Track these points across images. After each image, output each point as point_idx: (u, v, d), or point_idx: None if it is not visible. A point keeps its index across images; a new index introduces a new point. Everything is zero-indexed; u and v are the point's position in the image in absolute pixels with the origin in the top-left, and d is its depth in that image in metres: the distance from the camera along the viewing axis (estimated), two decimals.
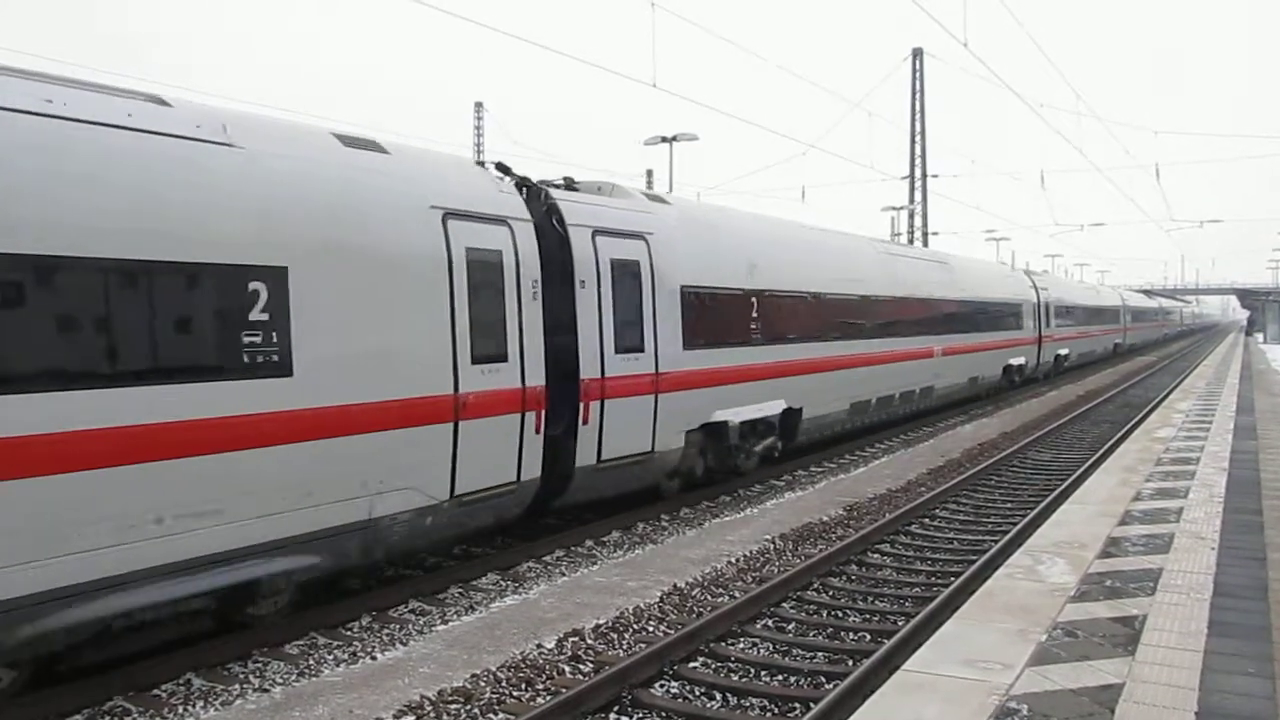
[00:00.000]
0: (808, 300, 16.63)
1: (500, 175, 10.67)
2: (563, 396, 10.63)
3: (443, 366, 8.94)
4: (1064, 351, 37.22)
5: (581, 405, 10.88)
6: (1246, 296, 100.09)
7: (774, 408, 14.97)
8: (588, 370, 10.99)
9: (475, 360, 9.23)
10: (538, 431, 10.10)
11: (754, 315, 14.58)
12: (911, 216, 43.80)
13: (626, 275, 11.73)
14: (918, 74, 42.32)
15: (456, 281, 9.08)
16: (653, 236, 12.29)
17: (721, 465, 14.20)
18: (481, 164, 11.18)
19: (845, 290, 18.06)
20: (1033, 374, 32.98)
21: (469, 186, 9.72)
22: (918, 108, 42.51)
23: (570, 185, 11.95)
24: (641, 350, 11.90)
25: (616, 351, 11.44)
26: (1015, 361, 30.11)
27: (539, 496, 10.53)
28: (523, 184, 10.92)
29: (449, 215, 9.12)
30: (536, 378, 10.05)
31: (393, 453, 8.39)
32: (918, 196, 43.48)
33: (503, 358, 9.61)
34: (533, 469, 10.13)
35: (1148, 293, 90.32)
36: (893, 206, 46.87)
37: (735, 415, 13.90)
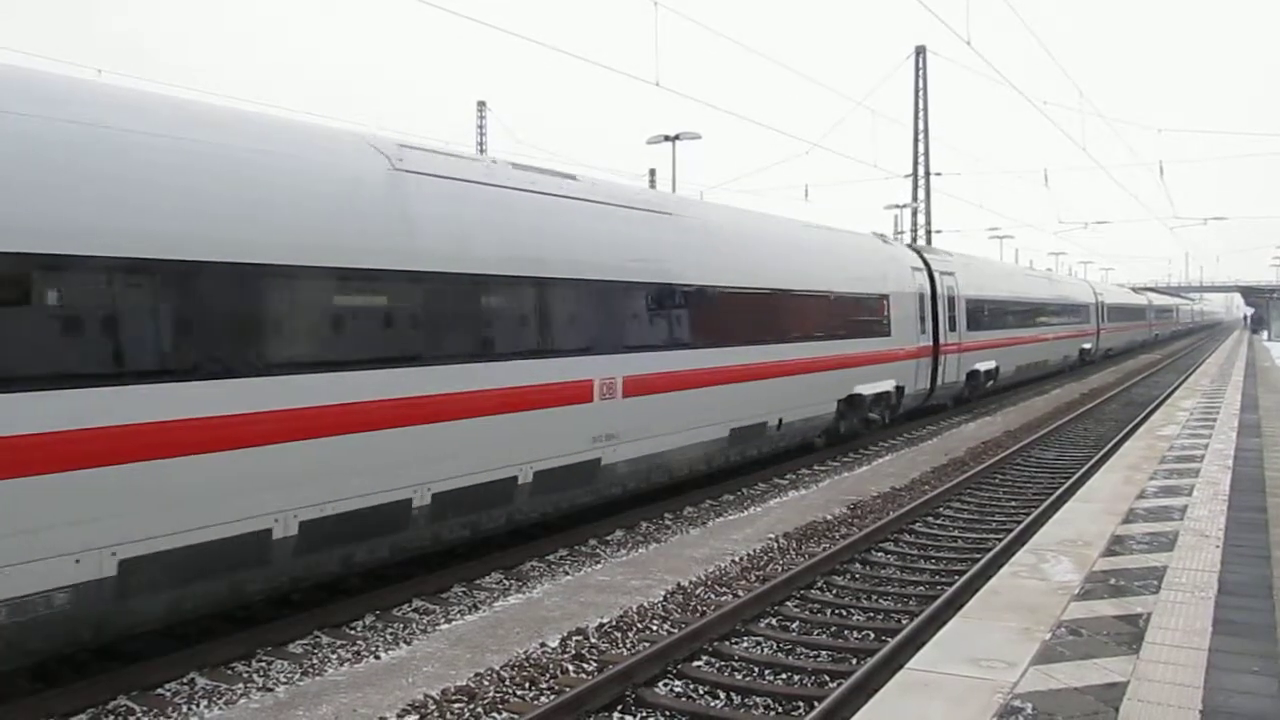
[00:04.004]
0: None
1: None
2: None
3: None
4: (986, 365, 26.16)
5: None
6: (1251, 294, 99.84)
7: None
8: None
9: None
10: None
11: None
12: (915, 214, 43.77)
13: None
14: (920, 72, 42.23)
15: None
16: None
17: None
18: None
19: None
20: (920, 403, 22.11)
21: None
22: (920, 106, 42.44)
23: None
24: None
25: None
26: (871, 389, 18.48)
27: None
28: None
29: None
30: None
31: None
32: (921, 195, 43.45)
33: None
34: None
35: (1150, 289, 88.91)
36: (896, 205, 46.96)
37: None
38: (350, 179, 8.63)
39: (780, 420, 15.32)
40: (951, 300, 23.48)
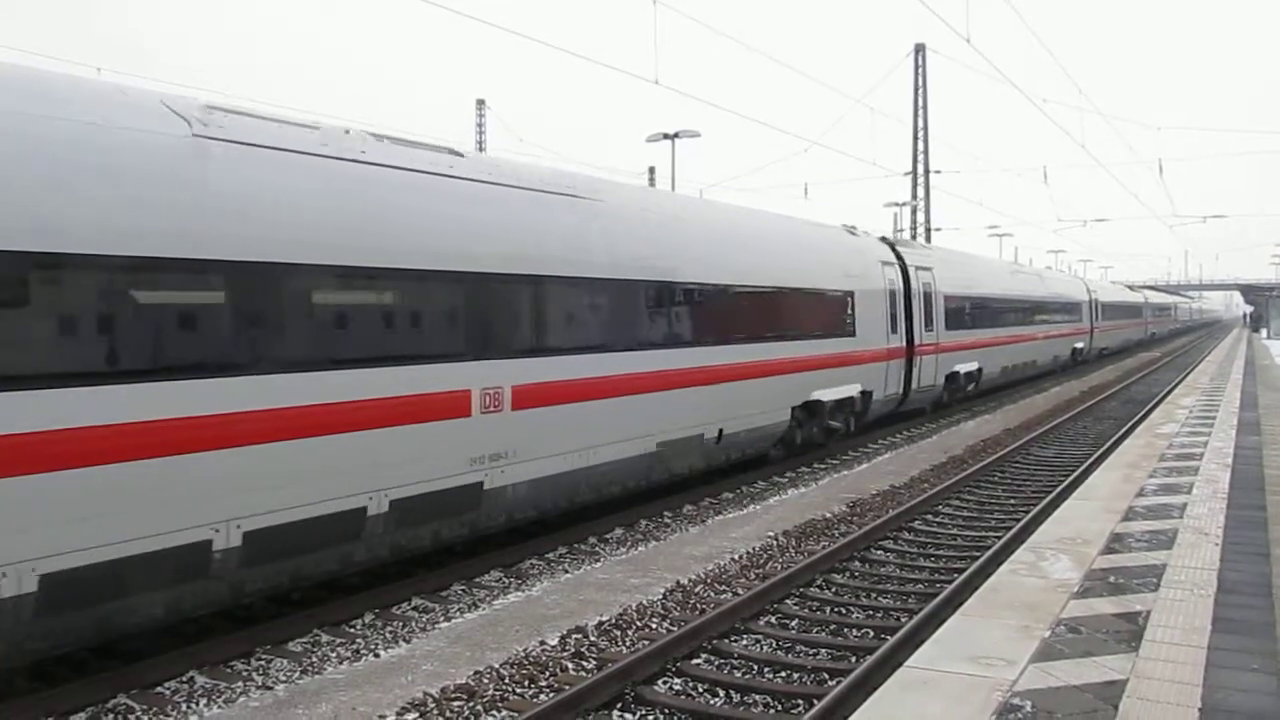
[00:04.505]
0: None
1: None
2: None
3: None
4: (968, 367, 24.60)
5: None
6: (1250, 292, 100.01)
7: None
8: None
9: None
10: None
11: None
12: (914, 212, 43.79)
13: None
14: (920, 70, 42.27)
15: None
16: None
17: None
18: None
19: None
20: (892, 409, 20.50)
21: None
22: (920, 104, 42.48)
23: None
24: None
25: None
26: (832, 395, 16.76)
27: None
28: None
29: None
30: None
31: None
32: (920, 192, 43.47)
33: None
34: None
35: (1149, 287, 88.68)
36: (895, 203, 46.96)
37: None
38: (124, 146, 6.83)
39: (720, 431, 13.62)
40: (928, 297, 21.77)
